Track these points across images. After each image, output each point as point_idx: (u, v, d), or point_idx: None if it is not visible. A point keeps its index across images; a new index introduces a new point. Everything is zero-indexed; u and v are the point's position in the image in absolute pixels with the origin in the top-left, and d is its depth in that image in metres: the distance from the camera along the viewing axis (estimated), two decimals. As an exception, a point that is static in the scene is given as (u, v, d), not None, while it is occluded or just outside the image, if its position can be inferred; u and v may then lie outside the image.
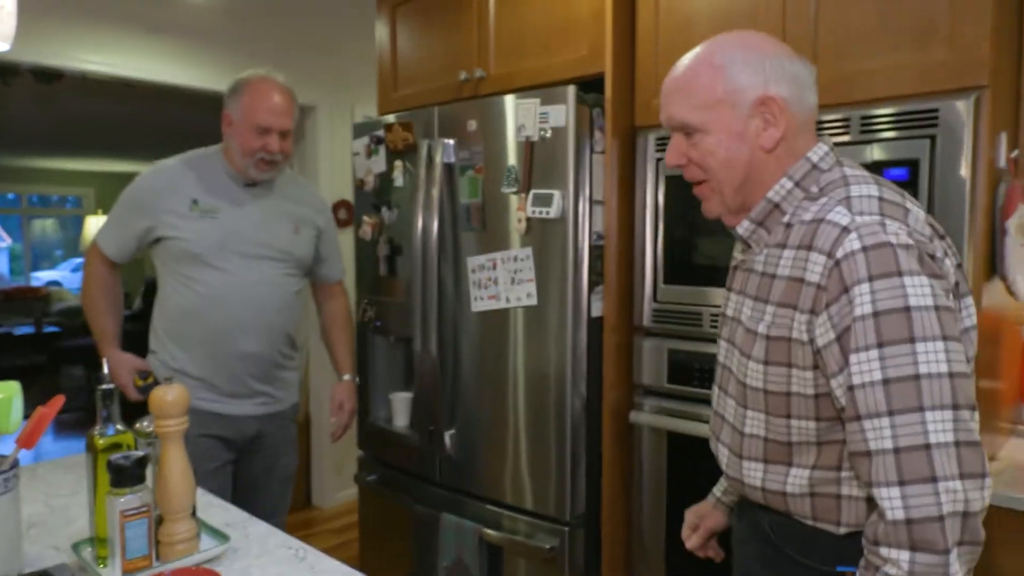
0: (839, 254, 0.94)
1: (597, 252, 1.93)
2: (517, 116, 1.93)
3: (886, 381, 0.90)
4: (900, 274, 0.91)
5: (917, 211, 1.01)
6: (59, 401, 1.16)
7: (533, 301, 1.93)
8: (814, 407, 1.01)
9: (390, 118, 2.27)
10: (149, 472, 1.12)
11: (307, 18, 3.66)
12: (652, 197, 1.93)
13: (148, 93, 3.66)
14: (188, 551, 1.15)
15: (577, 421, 1.92)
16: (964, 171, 1.45)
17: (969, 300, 1.04)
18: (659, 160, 1.91)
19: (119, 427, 1.16)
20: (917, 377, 0.89)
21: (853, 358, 0.92)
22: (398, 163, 2.25)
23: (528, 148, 1.91)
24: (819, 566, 1.05)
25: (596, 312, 1.94)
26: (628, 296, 1.99)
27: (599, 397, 1.96)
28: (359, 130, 2.41)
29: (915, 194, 1.50)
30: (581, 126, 1.86)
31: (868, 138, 1.55)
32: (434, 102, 2.27)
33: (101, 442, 1.13)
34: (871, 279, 0.92)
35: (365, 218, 2.38)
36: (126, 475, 1.09)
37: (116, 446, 1.14)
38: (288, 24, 3.55)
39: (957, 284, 1.01)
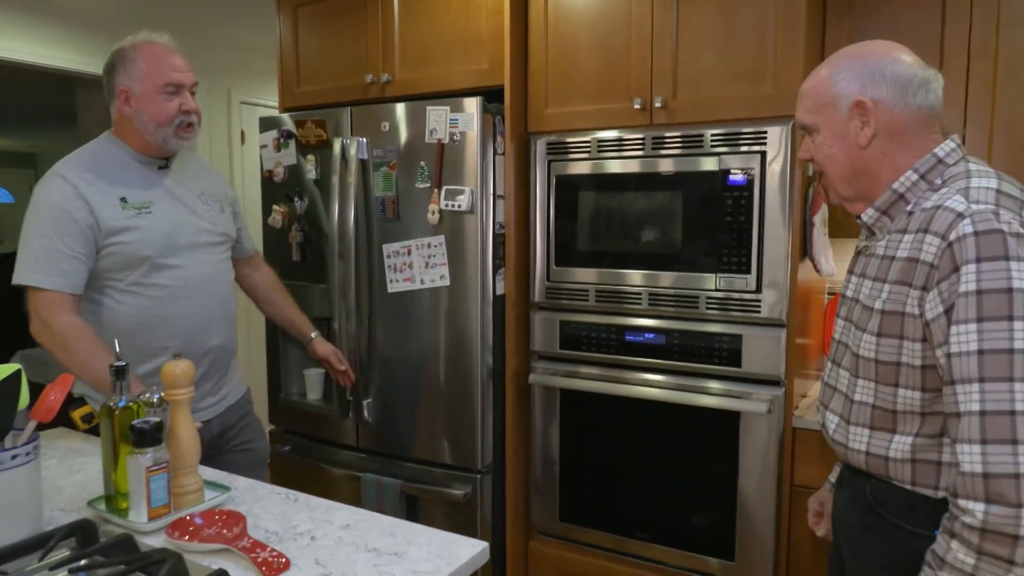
0: (952, 236, 1.03)
1: (500, 239, 2.26)
2: (429, 120, 2.20)
3: (981, 352, 0.99)
4: (1007, 258, 0.99)
5: None
6: (68, 379, 1.31)
7: (446, 282, 2.22)
8: (920, 377, 1.09)
9: (301, 115, 2.45)
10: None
11: (180, 3, 3.64)
12: (544, 193, 2.27)
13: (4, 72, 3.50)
14: (197, 500, 1.34)
15: (485, 384, 2.25)
16: (785, 179, 1.92)
17: None
18: (550, 161, 2.25)
19: (129, 399, 1.32)
20: (1011, 352, 0.97)
21: (953, 329, 1.01)
22: (311, 157, 2.43)
23: (439, 149, 2.19)
24: (917, 529, 1.12)
25: (500, 291, 2.27)
26: (525, 276, 2.33)
27: (503, 363, 2.30)
28: (265, 124, 2.56)
29: (750, 196, 1.95)
30: (486, 131, 2.17)
31: (716, 151, 1.99)
32: (340, 101, 2.47)
33: (117, 412, 1.30)
34: (979, 260, 1.00)
35: (275, 207, 2.54)
36: (147, 437, 1.27)
37: (129, 414, 1.31)
38: (161, 8, 3.52)
39: None
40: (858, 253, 1.29)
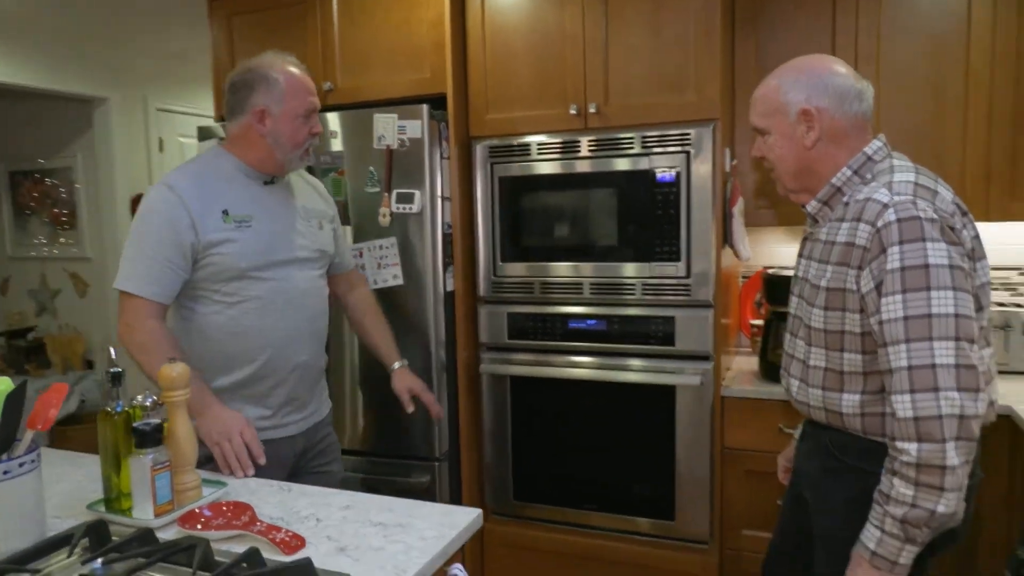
0: (880, 224, 1.22)
1: (448, 239, 2.38)
2: (377, 127, 2.30)
3: (906, 318, 1.18)
4: (924, 240, 1.19)
5: (945, 193, 1.28)
6: (63, 388, 1.36)
7: (399, 281, 2.33)
8: (861, 343, 1.30)
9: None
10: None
11: (97, 10, 3.56)
12: (487, 194, 2.42)
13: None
14: (197, 496, 1.41)
15: (439, 376, 2.37)
16: (707, 176, 2.14)
17: (985, 262, 1.32)
18: (492, 164, 2.40)
19: (125, 403, 1.38)
20: (930, 316, 1.17)
21: (883, 300, 1.21)
22: (255, 164, 2.48)
23: (388, 154, 2.30)
24: (872, 469, 1.29)
25: (450, 287, 2.40)
26: (472, 273, 2.47)
27: (455, 356, 2.43)
28: (204, 133, 2.58)
29: (678, 192, 2.17)
30: (432, 136, 2.30)
31: (648, 152, 2.19)
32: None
33: (115, 416, 1.35)
34: (902, 243, 1.20)
35: (219, 215, 2.57)
36: (149, 438, 1.33)
37: (126, 418, 1.37)
38: (77, 15, 3.43)
39: (973, 249, 1.29)
40: (806, 239, 1.49)
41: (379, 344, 2.06)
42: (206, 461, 1.58)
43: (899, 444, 1.19)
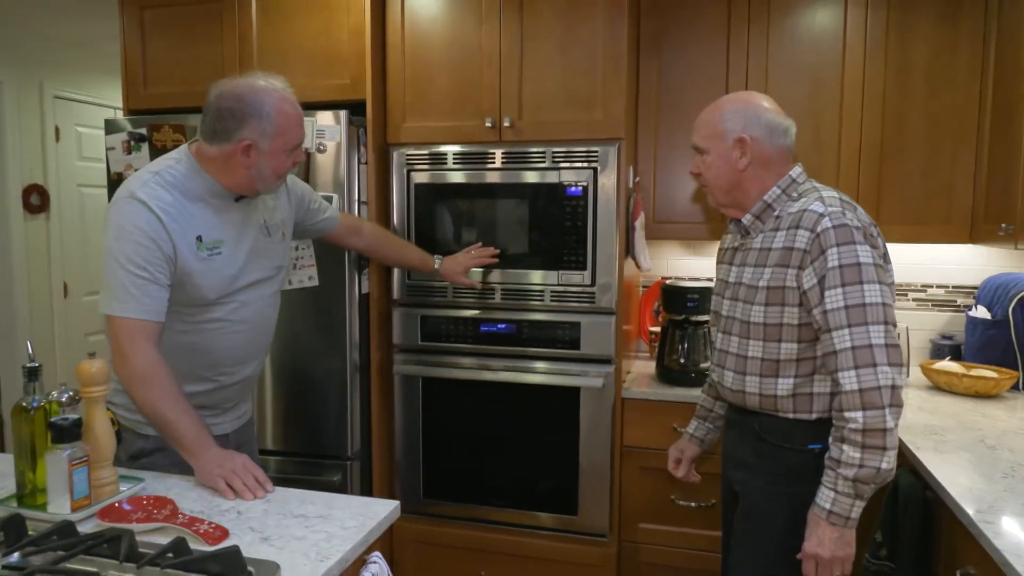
0: (819, 229, 1.45)
1: (364, 242, 2.44)
2: (296, 130, 2.32)
3: (847, 307, 1.41)
4: (854, 243, 1.43)
5: (859, 208, 1.53)
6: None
7: (315, 283, 2.36)
8: (796, 333, 1.50)
9: (158, 118, 2.46)
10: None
11: (-12, -12, 3.38)
12: (403, 200, 2.49)
13: None
14: (114, 491, 1.42)
15: (352, 377, 2.42)
16: (613, 190, 2.30)
17: (891, 267, 1.54)
18: (408, 171, 2.47)
19: (41, 399, 1.38)
20: (864, 305, 1.40)
21: (827, 293, 1.42)
22: (167, 161, 2.45)
23: (307, 158, 2.33)
24: (796, 447, 1.54)
25: (365, 290, 2.46)
26: (387, 276, 2.53)
27: (369, 357, 2.49)
28: (112, 126, 2.53)
29: (585, 205, 2.31)
30: (351, 142, 2.35)
31: (558, 166, 2.33)
32: (198, 106, 2.50)
33: (32, 412, 1.35)
34: (838, 245, 1.43)
35: (127, 211, 2.51)
36: (67, 433, 1.34)
37: (43, 414, 1.36)
38: (-34, -8, 3.26)
39: (884, 254, 1.51)
40: (734, 249, 1.68)
41: (412, 259, 2.34)
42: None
43: (847, 414, 1.39)
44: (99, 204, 4.23)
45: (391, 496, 2.60)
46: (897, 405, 1.39)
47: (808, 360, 1.52)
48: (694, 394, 2.34)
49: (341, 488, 2.41)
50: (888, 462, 1.38)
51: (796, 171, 1.61)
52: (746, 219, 1.62)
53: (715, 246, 2.88)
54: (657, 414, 2.38)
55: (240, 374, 1.76)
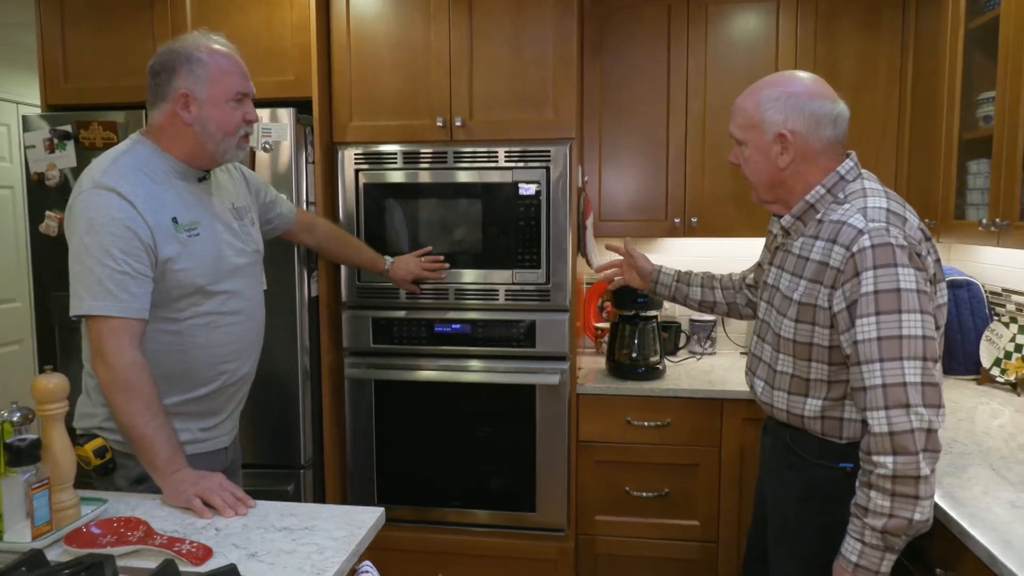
0: (855, 248, 1.29)
1: (313, 244, 2.37)
2: (239, 129, 2.23)
3: (879, 339, 1.25)
4: (896, 265, 1.26)
5: (913, 219, 1.34)
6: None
7: (264, 286, 2.27)
8: (828, 355, 1.37)
9: (86, 115, 2.30)
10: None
11: None
12: (352, 200, 2.43)
13: None
14: (76, 515, 1.32)
15: (303, 383, 2.35)
16: (565, 190, 2.33)
17: (943, 285, 1.39)
18: (357, 171, 2.42)
19: (-8, 419, 1.27)
20: (900, 337, 1.24)
21: (858, 322, 1.27)
22: (96, 161, 2.30)
23: (252, 157, 2.24)
24: (826, 464, 1.43)
25: (314, 293, 2.39)
26: (336, 279, 2.47)
27: (319, 361, 2.42)
28: (31, 123, 2.36)
29: (539, 204, 2.33)
30: (298, 141, 2.28)
31: (511, 165, 2.34)
32: (128, 103, 2.37)
33: (-17, 433, 1.24)
34: (875, 268, 1.26)
35: (50, 213, 2.35)
36: (25, 455, 1.24)
37: (-5, 435, 1.26)
38: None
39: (935, 274, 1.36)
40: (776, 248, 1.54)
41: (362, 260, 2.30)
42: None
43: (875, 458, 1.25)
44: (4, 205, 3.93)
45: (343, 503, 2.54)
46: (933, 450, 1.24)
47: (840, 383, 1.39)
48: (646, 387, 2.42)
49: (295, 498, 2.34)
50: (922, 513, 1.24)
51: (846, 166, 1.42)
52: (785, 220, 1.48)
53: (656, 243, 2.97)
54: (611, 408, 2.43)
55: (240, 371, 1.67)
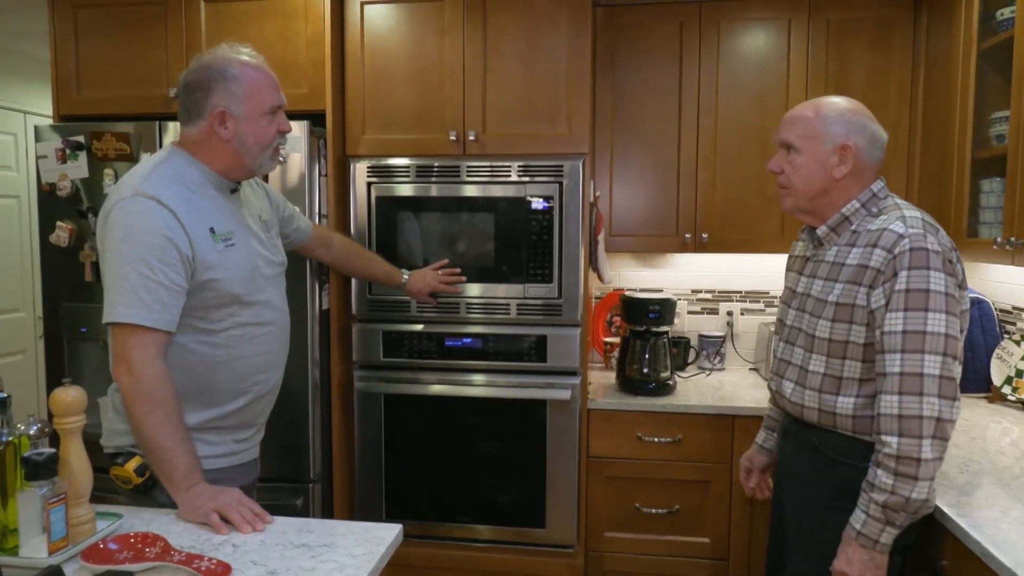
0: (896, 251, 1.39)
1: (325, 257, 2.36)
2: (253, 141, 2.23)
3: (904, 332, 1.36)
4: (928, 268, 1.37)
5: (941, 230, 1.45)
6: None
7: (275, 299, 2.27)
8: (862, 352, 1.45)
9: (99, 126, 2.30)
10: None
11: None
12: (364, 212, 2.43)
13: None
14: (92, 530, 1.31)
15: (313, 396, 2.34)
16: (578, 205, 2.33)
17: (968, 291, 1.48)
18: (370, 184, 2.42)
19: (10, 433, 1.26)
20: (924, 333, 1.35)
21: (888, 315, 1.38)
22: (109, 171, 2.30)
23: (265, 169, 2.24)
24: (854, 463, 1.47)
25: (325, 306, 2.38)
26: (347, 292, 2.47)
27: (329, 374, 2.41)
28: (43, 134, 2.35)
29: (551, 219, 2.33)
30: (312, 153, 2.28)
31: (525, 180, 2.34)
32: (141, 114, 2.38)
33: (1, 447, 1.23)
34: (910, 268, 1.37)
35: (61, 224, 2.35)
36: (42, 469, 1.23)
37: (15, 449, 1.25)
38: None
39: (962, 281, 1.45)
40: (805, 259, 1.64)
41: (378, 273, 2.29)
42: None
43: (883, 437, 1.36)
44: (9, 214, 3.92)
45: (351, 518, 2.52)
46: (942, 438, 1.34)
47: (871, 381, 1.46)
48: (657, 403, 2.41)
49: (303, 513, 2.32)
50: (919, 493, 1.33)
51: (878, 185, 1.55)
52: (821, 230, 1.57)
53: (665, 259, 2.97)
54: (622, 424, 2.42)
55: (271, 380, 1.67)
